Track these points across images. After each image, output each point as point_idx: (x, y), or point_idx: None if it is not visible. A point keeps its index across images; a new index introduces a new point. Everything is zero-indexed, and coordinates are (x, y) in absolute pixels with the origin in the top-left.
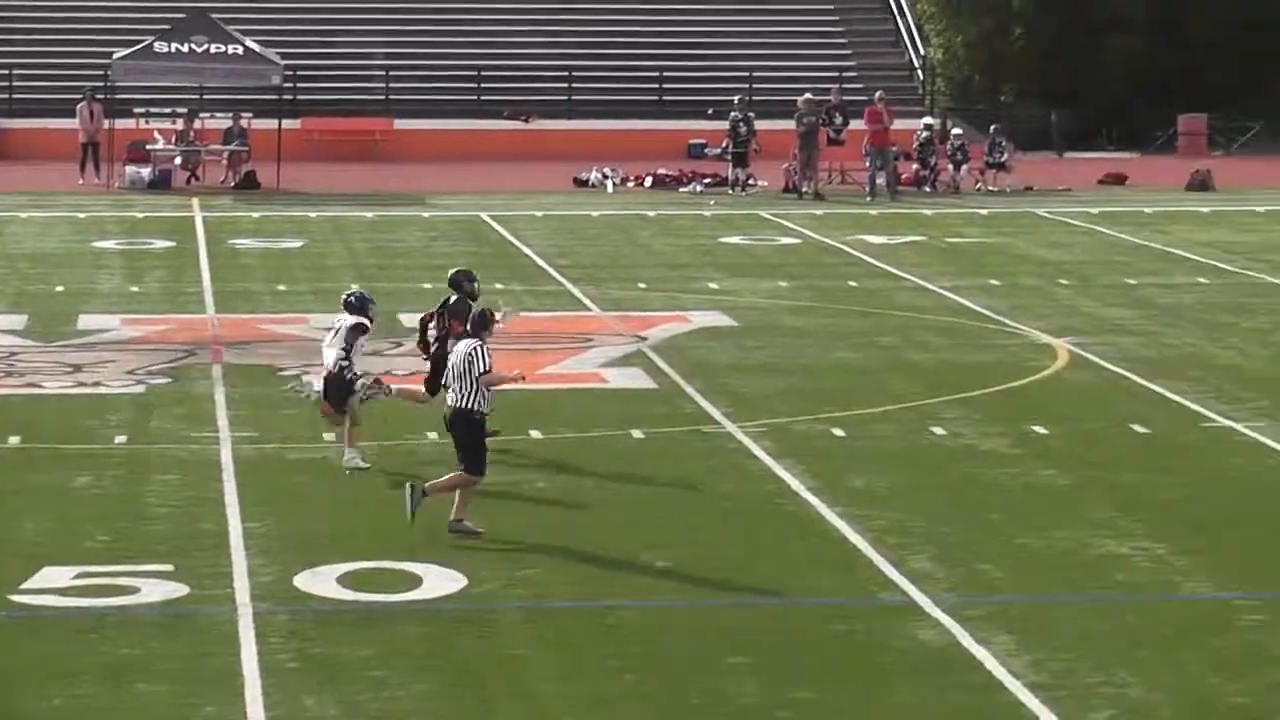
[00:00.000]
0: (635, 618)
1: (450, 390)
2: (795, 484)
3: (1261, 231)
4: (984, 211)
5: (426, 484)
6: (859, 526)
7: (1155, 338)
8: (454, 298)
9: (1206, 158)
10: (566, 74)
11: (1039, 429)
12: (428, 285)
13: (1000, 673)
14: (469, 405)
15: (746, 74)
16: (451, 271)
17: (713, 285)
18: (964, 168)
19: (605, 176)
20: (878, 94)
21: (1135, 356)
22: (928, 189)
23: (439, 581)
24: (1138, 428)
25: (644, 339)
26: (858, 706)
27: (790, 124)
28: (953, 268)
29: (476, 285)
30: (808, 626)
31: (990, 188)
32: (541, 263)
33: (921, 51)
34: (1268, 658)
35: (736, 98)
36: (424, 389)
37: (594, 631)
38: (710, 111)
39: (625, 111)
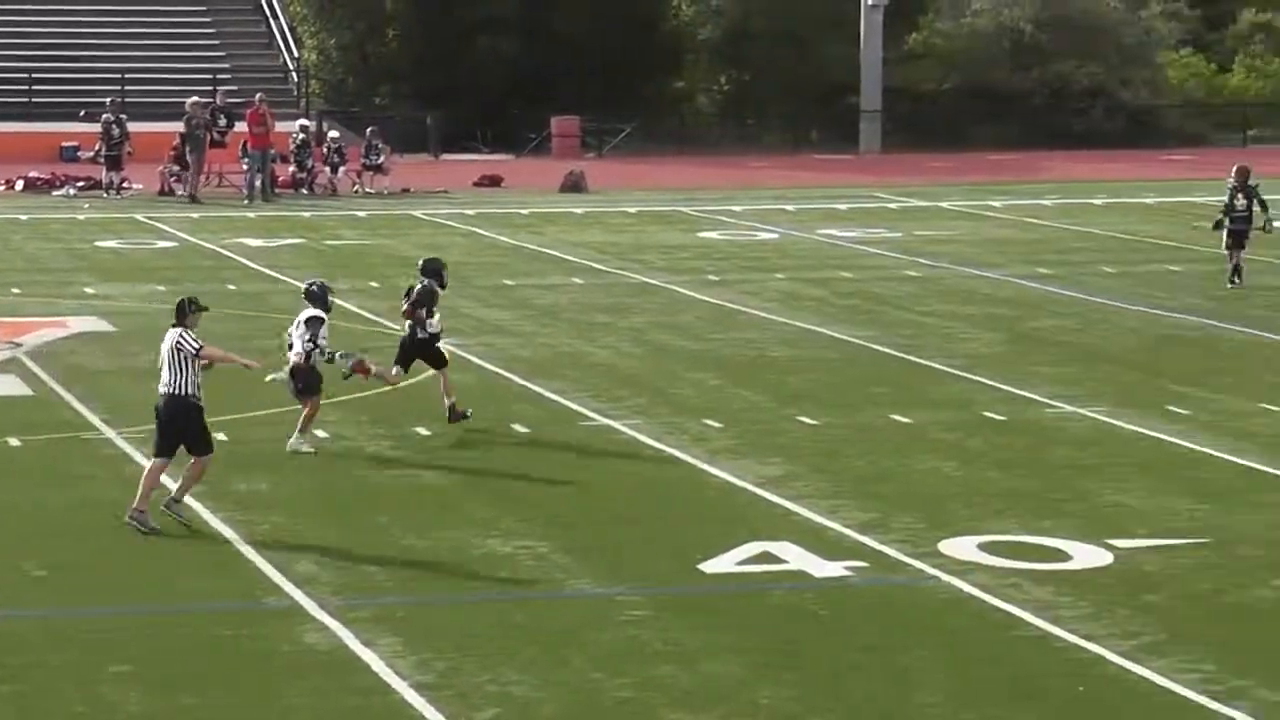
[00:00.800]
0: (12, 628)
1: (161, 379)
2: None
3: (634, 232)
4: (362, 214)
5: (173, 494)
6: (244, 531)
7: (533, 338)
8: (419, 285)
9: (580, 159)
10: None
11: (422, 430)
12: None
13: (387, 674)
14: (183, 391)
15: (119, 75)
16: (423, 260)
17: (89, 290)
18: (341, 170)
19: None
20: (259, 96)
21: (514, 356)
22: (305, 191)
23: None
24: (518, 427)
25: (19, 345)
26: (245, 712)
27: (164, 126)
28: (332, 270)
29: (446, 274)
30: (193, 632)
31: (368, 190)
32: None
33: (296, 54)
34: (648, 652)
35: (109, 99)
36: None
37: None
38: (82, 114)
39: None
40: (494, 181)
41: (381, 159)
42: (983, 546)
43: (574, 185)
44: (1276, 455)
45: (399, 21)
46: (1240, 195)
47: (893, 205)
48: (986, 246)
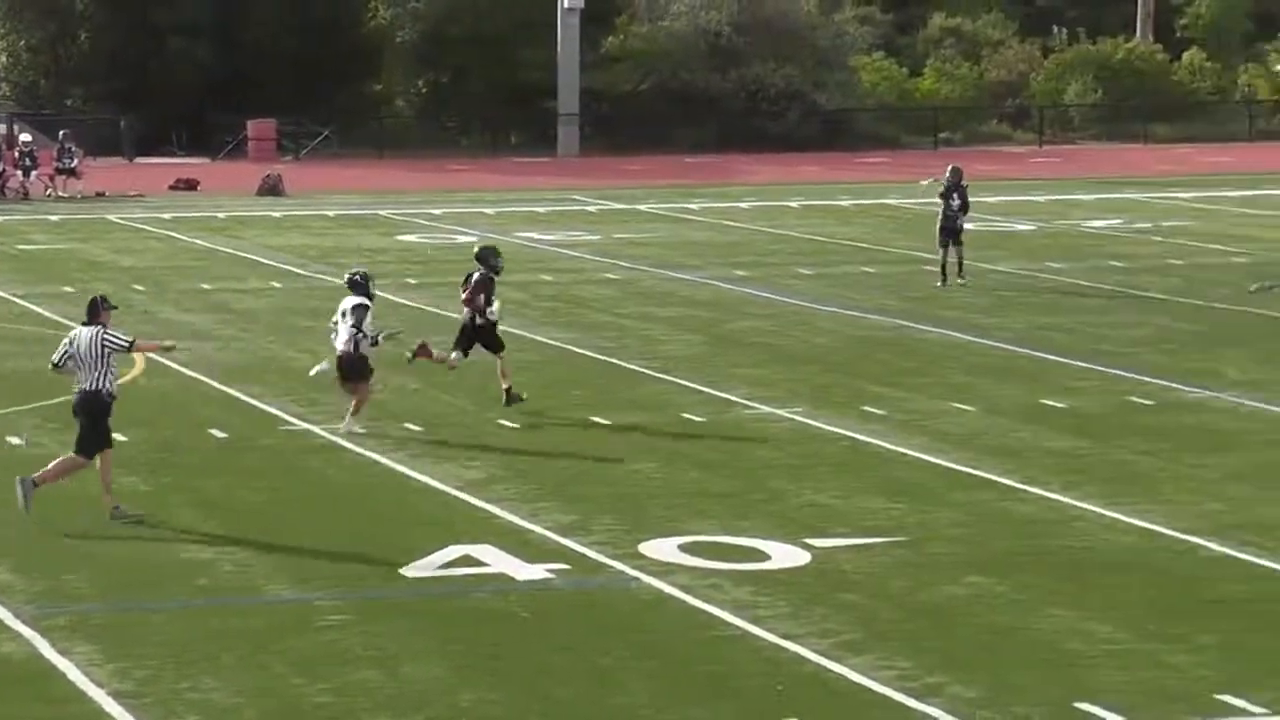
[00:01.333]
0: None
1: (79, 377)
2: None
3: (333, 235)
4: (55, 218)
5: (37, 474)
6: None
7: (231, 342)
8: (477, 273)
9: (277, 163)
10: None
11: (119, 436)
12: None
13: (84, 683)
14: (98, 388)
15: None
16: (478, 247)
17: None
18: (33, 174)
19: None
20: None
21: (213, 361)
22: None
23: None
24: (216, 432)
25: None
26: None
27: None
28: (25, 275)
29: (500, 261)
30: None
31: (61, 194)
32: None
33: None
34: (348, 657)
35: None
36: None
37: None
38: None
39: None
40: (190, 185)
41: (75, 162)
42: (683, 547)
43: (272, 189)
44: (969, 453)
45: (91, 23)
46: (955, 195)
47: (591, 208)
48: (685, 249)
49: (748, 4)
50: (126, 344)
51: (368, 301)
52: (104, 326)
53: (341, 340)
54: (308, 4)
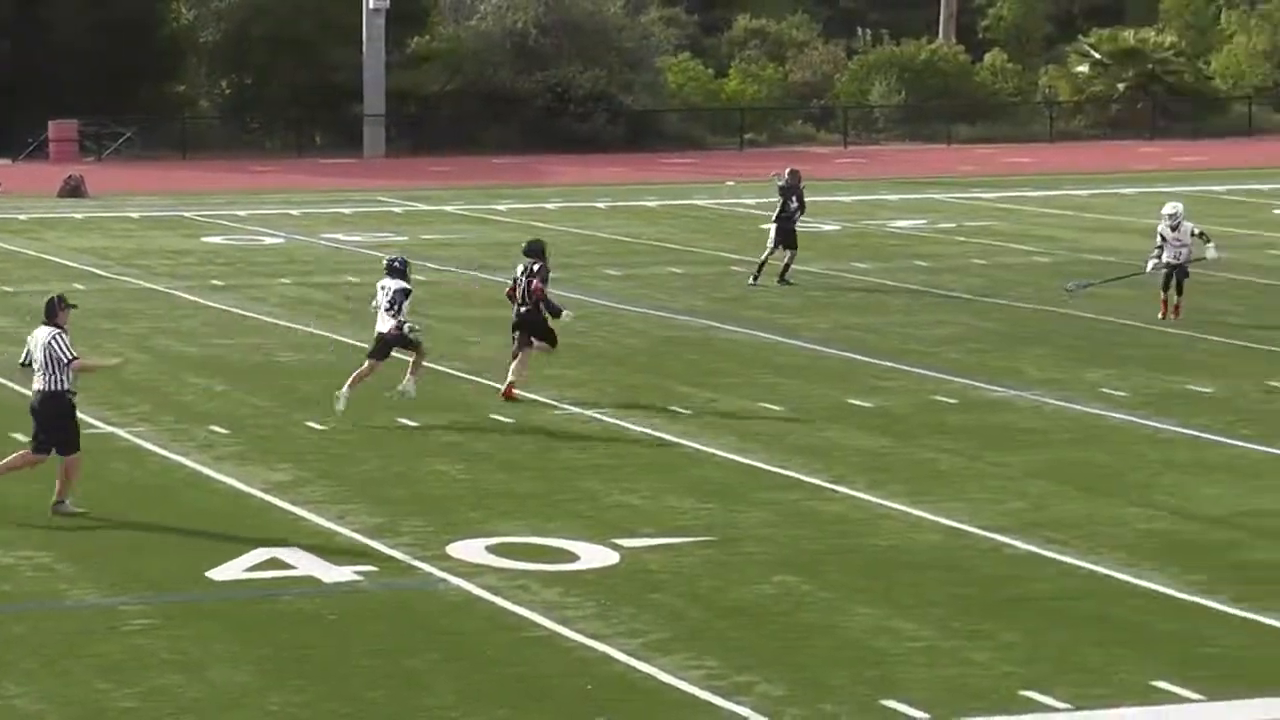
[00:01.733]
0: None
1: (36, 377)
2: None
3: (136, 237)
4: None
5: (56, 497)
6: None
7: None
8: (537, 264)
9: (79, 164)
10: None
11: None
12: None
13: None
14: (58, 388)
15: None
16: (530, 241)
17: None
18: None
19: None
20: None
21: (13, 365)
22: None
23: None
24: (19, 436)
25: None
26: None
27: None
28: None
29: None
30: None
31: None
32: None
33: None
34: (154, 661)
35: None
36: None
37: None
38: None
39: None
40: None
41: None
42: (491, 549)
43: (73, 190)
44: (777, 453)
45: None
46: (794, 196)
47: (398, 209)
48: (492, 249)
49: (554, 5)
50: (66, 360)
51: (409, 286)
52: (60, 329)
53: (386, 321)
54: (109, 4)
